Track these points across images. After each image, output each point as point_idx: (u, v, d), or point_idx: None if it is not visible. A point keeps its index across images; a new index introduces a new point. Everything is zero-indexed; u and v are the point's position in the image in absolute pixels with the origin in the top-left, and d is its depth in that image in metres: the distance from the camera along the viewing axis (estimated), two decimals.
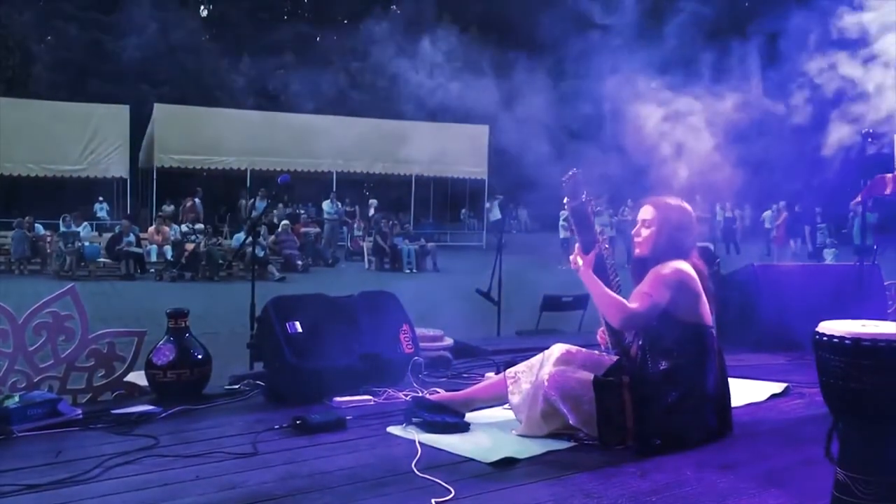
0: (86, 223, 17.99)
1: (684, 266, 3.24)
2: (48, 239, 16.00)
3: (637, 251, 3.37)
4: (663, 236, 3.30)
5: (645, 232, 3.35)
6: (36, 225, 16.29)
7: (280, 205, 20.29)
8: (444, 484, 2.68)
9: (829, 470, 2.43)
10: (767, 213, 20.01)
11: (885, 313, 5.37)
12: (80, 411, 3.56)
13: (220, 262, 14.80)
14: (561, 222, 16.56)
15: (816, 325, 2.39)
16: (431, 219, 27.51)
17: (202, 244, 15.08)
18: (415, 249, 16.92)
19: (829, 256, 15.53)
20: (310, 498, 2.60)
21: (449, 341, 5.05)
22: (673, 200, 3.39)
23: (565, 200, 3.48)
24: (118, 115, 21.29)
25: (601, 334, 3.61)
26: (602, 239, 3.49)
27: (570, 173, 3.45)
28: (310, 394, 3.88)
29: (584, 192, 3.44)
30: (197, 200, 20.89)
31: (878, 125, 5.02)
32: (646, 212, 3.38)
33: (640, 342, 3.32)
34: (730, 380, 3.44)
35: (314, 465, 2.95)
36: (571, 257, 3.45)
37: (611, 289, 3.35)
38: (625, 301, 3.24)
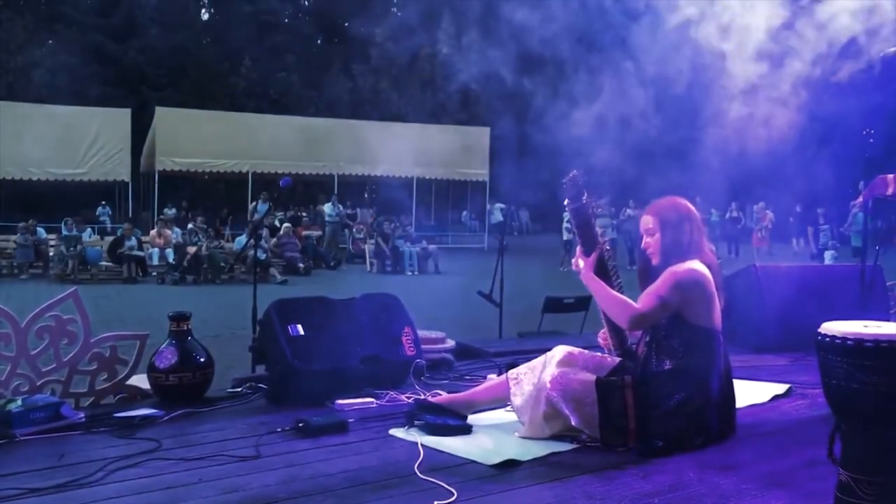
0: (88, 227, 18.04)
1: (698, 266, 3.22)
2: (50, 243, 16.02)
3: (654, 261, 3.37)
4: (668, 238, 3.30)
5: (651, 240, 3.35)
6: (38, 229, 16.31)
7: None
8: (446, 486, 2.68)
9: (831, 471, 2.42)
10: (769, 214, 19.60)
11: (887, 314, 5.36)
12: (82, 415, 3.56)
13: (222, 265, 14.82)
14: (564, 224, 16.55)
15: (819, 326, 2.39)
16: (433, 221, 27.52)
17: (204, 247, 15.09)
18: (416, 251, 16.92)
19: (828, 257, 15.53)
20: (312, 500, 2.60)
21: (451, 343, 5.04)
22: (667, 201, 3.39)
23: (566, 202, 3.48)
24: (119, 119, 21.37)
25: (603, 336, 3.61)
26: (603, 241, 3.49)
27: (571, 175, 3.45)
28: (312, 396, 3.88)
29: (584, 194, 3.44)
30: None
31: None
32: (645, 221, 3.39)
33: (648, 338, 3.32)
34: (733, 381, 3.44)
35: (316, 467, 2.95)
36: (574, 260, 3.45)
37: (613, 290, 3.35)
38: (631, 302, 3.24)
